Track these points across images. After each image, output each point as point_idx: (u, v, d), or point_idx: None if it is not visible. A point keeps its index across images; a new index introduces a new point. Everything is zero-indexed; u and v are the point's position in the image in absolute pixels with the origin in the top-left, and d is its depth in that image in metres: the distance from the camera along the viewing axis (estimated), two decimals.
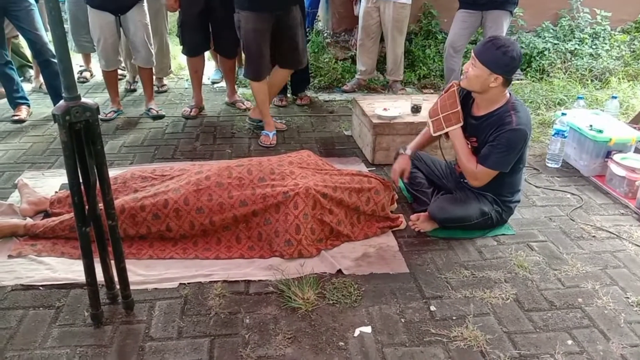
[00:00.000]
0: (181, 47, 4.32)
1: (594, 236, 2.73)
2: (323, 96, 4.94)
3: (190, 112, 4.34)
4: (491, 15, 4.18)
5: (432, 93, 4.90)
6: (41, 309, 2.12)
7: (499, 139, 2.47)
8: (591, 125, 3.36)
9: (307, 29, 5.12)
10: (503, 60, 2.38)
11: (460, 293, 2.26)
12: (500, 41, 2.41)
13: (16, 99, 4.21)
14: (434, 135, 2.70)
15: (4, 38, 4.04)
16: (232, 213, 2.52)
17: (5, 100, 4.35)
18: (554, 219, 2.89)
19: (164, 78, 5.12)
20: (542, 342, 2.00)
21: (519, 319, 2.12)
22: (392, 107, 3.60)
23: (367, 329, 2.04)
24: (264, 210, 2.52)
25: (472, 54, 2.46)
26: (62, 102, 1.71)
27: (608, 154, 3.26)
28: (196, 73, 4.38)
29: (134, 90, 4.83)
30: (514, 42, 2.43)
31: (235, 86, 4.72)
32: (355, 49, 5.23)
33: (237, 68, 4.85)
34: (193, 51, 4.28)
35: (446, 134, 2.65)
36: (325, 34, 5.91)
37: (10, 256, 2.42)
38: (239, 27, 3.65)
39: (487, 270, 2.42)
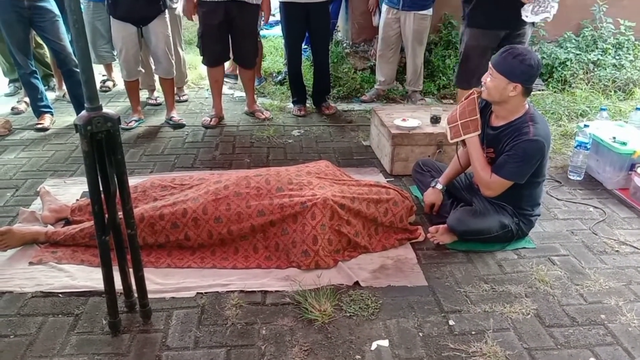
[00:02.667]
0: (201, 57, 4.37)
1: (617, 251, 2.67)
2: (342, 106, 4.94)
3: (210, 121, 4.38)
4: None
5: (451, 103, 4.87)
6: (60, 316, 2.14)
7: (515, 149, 2.44)
8: (615, 137, 3.30)
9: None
10: (520, 68, 2.37)
11: (479, 307, 2.22)
12: (516, 50, 2.41)
13: (40, 108, 4.29)
14: (451, 142, 2.69)
15: (30, 48, 4.12)
16: (249, 223, 2.52)
17: (29, 108, 4.45)
18: (576, 232, 2.83)
19: (184, 87, 5.18)
20: None
21: (540, 335, 2.08)
22: (411, 117, 3.58)
23: (385, 343, 2.02)
24: (281, 220, 2.52)
25: (490, 65, 2.46)
26: (84, 112, 1.74)
27: (632, 167, 3.20)
28: (216, 83, 4.42)
29: (159, 104, 4.87)
30: (530, 51, 2.42)
31: (255, 96, 4.74)
32: (375, 59, 5.24)
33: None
34: (213, 61, 4.33)
35: (463, 141, 2.63)
36: (344, 44, 5.93)
37: (31, 263, 2.45)
38: (462, 40, 3.93)
39: (507, 284, 2.38)
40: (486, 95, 2.51)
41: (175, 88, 4.61)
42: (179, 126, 4.32)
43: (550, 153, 2.74)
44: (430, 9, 4.65)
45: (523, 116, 2.49)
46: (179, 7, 4.56)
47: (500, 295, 2.31)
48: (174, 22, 4.54)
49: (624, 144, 3.23)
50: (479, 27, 3.73)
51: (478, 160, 2.57)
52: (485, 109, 2.64)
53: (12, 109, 4.63)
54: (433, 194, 2.86)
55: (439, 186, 2.86)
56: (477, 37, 3.74)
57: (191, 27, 7.15)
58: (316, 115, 4.70)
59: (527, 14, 3.53)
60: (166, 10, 4.10)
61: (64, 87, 4.59)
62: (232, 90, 5.39)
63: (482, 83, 2.51)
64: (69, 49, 4.05)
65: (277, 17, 5.12)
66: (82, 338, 2.02)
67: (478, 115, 2.57)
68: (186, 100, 5.06)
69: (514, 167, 2.46)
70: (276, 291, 2.30)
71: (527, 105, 2.52)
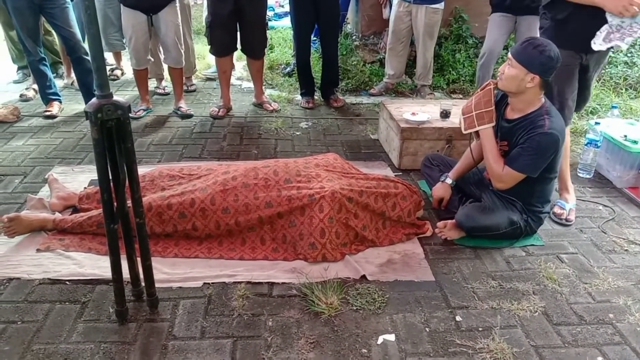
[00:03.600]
0: (209, 47, 4.35)
1: (626, 250, 2.65)
2: (350, 99, 4.92)
3: (218, 112, 4.37)
4: (525, 21, 4.10)
5: (461, 98, 4.84)
6: (67, 303, 2.14)
7: (529, 141, 2.43)
8: (626, 136, 3.27)
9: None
10: (539, 59, 2.36)
11: (487, 304, 2.21)
12: (537, 41, 2.41)
13: (48, 95, 4.30)
14: (464, 132, 2.66)
15: (40, 35, 4.12)
16: (257, 214, 2.52)
17: (38, 95, 4.45)
18: (585, 230, 2.81)
19: (193, 77, 5.17)
20: (570, 358, 1.95)
21: (547, 332, 2.07)
22: (421, 111, 3.55)
23: (391, 337, 2.01)
24: (289, 212, 2.51)
25: (509, 55, 2.45)
26: (94, 99, 1.73)
27: None
28: (224, 73, 4.41)
29: (168, 93, 4.87)
30: (551, 43, 2.41)
31: (263, 87, 4.73)
32: (384, 52, 5.21)
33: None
34: (221, 51, 4.31)
35: (477, 133, 2.61)
36: (354, 37, 5.90)
37: (38, 250, 2.46)
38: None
39: (515, 281, 2.37)
40: (502, 85, 2.49)
41: (183, 78, 4.60)
42: (187, 116, 4.31)
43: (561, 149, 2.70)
44: (442, 3, 4.60)
45: (539, 109, 2.47)
46: None
47: (507, 292, 2.30)
48: (183, 11, 4.52)
49: (635, 142, 3.20)
50: (564, 47, 2.56)
51: (491, 152, 2.55)
52: (501, 102, 2.63)
53: (21, 95, 4.64)
54: (442, 189, 2.84)
55: (449, 181, 2.83)
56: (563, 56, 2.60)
57: (199, 16, 7.13)
58: (324, 108, 4.68)
59: (597, 41, 2.57)
60: (176, 0, 4.08)
61: (73, 74, 4.59)
62: (240, 81, 5.38)
63: (500, 73, 2.50)
64: (79, 36, 4.05)
65: (287, 8, 5.10)
66: (88, 326, 2.03)
67: (493, 107, 2.56)
68: (194, 90, 5.06)
69: (527, 160, 2.44)
70: (283, 283, 2.30)
71: (542, 99, 2.50)
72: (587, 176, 3.43)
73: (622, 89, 5.08)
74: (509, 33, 4.32)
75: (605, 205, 3.08)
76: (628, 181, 3.26)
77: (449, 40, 5.59)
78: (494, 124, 2.56)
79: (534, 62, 2.36)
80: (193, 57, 5.07)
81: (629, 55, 5.46)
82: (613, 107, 3.98)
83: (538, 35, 4.10)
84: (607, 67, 5.32)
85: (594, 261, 2.54)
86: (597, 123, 3.43)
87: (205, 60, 5.77)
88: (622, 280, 2.40)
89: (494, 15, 4.28)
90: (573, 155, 3.73)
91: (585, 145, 3.42)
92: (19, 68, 5.18)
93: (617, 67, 5.30)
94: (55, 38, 4.87)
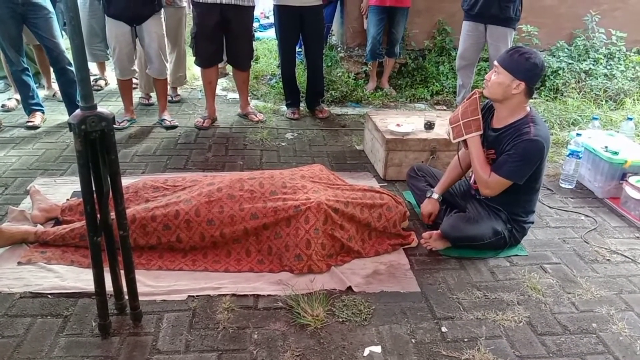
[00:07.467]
0: (194, 58, 4.35)
1: (608, 259, 2.68)
2: (335, 110, 4.94)
3: (203, 122, 4.36)
4: (495, 31, 4.17)
5: (444, 110, 4.89)
6: (49, 317, 2.10)
7: (515, 148, 2.46)
8: (606, 147, 3.33)
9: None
10: (525, 66, 2.40)
11: (472, 314, 2.22)
12: (523, 49, 2.46)
13: (31, 105, 4.25)
14: (453, 142, 2.69)
15: (22, 44, 4.08)
16: (242, 226, 2.50)
17: (20, 106, 4.40)
18: (568, 240, 2.84)
19: (178, 88, 5.16)
20: None
21: (532, 342, 2.08)
22: (405, 123, 3.58)
23: (377, 349, 2.01)
24: (274, 223, 2.50)
25: (495, 62, 2.50)
26: (78, 111, 1.71)
27: (623, 176, 3.22)
28: (210, 84, 4.40)
29: (152, 104, 4.85)
30: (537, 52, 2.46)
31: (249, 98, 4.73)
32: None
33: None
34: (206, 62, 4.31)
35: (465, 142, 2.64)
36: (339, 48, 5.94)
37: (19, 263, 2.42)
38: None
39: (500, 291, 2.38)
40: (488, 92, 2.52)
41: (170, 88, 4.59)
42: (171, 127, 4.29)
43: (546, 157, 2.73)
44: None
45: (524, 118, 2.50)
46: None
47: (492, 302, 2.31)
48: (180, 22, 4.59)
49: (616, 153, 3.26)
50: None
51: (478, 159, 2.57)
52: (487, 113, 2.66)
53: (2, 106, 4.58)
54: (430, 204, 2.85)
55: (435, 196, 2.85)
56: None
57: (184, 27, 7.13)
58: (310, 119, 4.69)
59: None
60: (161, 10, 4.08)
61: (54, 85, 4.55)
62: (226, 92, 5.38)
63: (486, 80, 2.53)
64: (62, 46, 4.02)
65: (272, 19, 5.13)
66: (71, 340, 1.99)
67: (480, 115, 2.59)
68: (179, 101, 5.03)
69: (513, 167, 2.47)
70: (268, 295, 2.28)
71: (528, 108, 2.54)
72: (569, 187, 3.47)
73: (602, 101, 5.17)
74: (481, 40, 4.36)
75: (587, 216, 3.12)
76: (609, 191, 3.31)
77: (432, 52, 5.65)
78: (481, 132, 2.58)
79: (519, 69, 2.40)
80: (184, 66, 5.04)
81: (608, 67, 5.57)
82: (594, 118, 4.06)
83: (508, 45, 4.21)
84: (587, 79, 5.42)
85: (577, 271, 2.57)
86: (578, 134, 3.48)
87: (190, 70, 5.75)
88: (605, 290, 2.42)
89: (465, 23, 4.36)
90: (555, 166, 3.79)
91: (567, 156, 3.47)
92: (0, 78, 5.12)
93: (597, 79, 5.40)
94: (34, 48, 4.81)
